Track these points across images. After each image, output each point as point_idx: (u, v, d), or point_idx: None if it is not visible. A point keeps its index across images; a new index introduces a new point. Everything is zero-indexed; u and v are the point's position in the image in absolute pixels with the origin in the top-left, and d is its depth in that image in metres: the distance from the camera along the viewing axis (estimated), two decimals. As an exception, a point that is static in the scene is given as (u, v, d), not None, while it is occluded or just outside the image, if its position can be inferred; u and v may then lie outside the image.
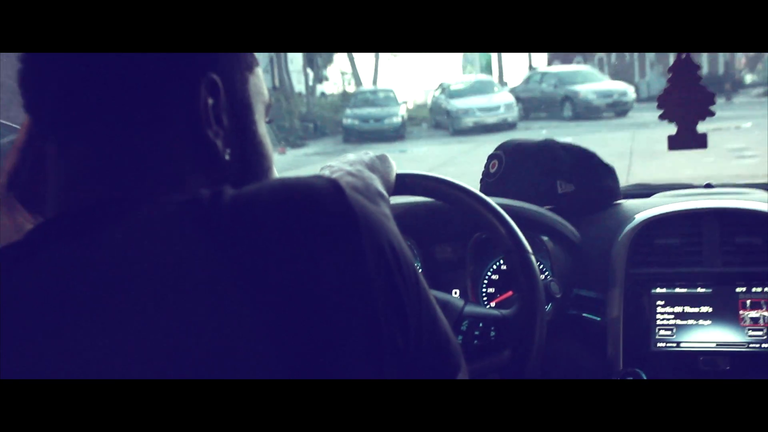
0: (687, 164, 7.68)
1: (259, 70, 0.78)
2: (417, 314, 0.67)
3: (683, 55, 1.39)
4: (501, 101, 19.06)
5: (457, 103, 19.08)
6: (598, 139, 12.57)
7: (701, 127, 1.52)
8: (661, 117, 1.52)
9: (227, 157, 0.71)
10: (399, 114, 19.56)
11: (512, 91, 21.25)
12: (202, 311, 0.58)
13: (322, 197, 0.64)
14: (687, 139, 1.35)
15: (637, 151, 11.38)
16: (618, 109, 18.60)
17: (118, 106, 0.66)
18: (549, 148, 1.68)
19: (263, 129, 0.77)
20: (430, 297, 0.71)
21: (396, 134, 18.84)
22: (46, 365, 0.58)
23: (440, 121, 20.16)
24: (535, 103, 20.32)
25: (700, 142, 1.36)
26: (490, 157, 1.74)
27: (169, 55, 0.67)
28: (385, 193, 1.15)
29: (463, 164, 11.66)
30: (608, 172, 1.69)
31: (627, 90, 19.25)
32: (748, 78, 24.53)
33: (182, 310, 0.58)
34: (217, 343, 0.58)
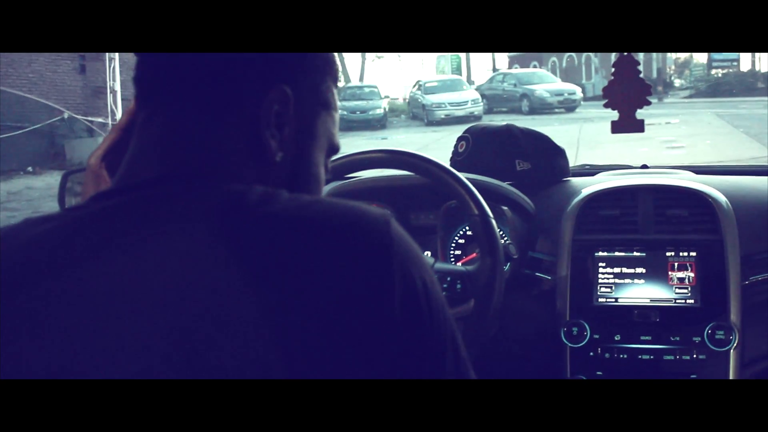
0: (625, 153, 7.71)
1: (336, 114, 0.72)
2: (441, 352, 0.61)
3: (625, 53, 1.37)
4: (468, 97, 19.06)
5: (432, 98, 19.01)
6: (550, 131, 12.22)
7: (639, 115, 1.51)
8: (606, 105, 1.51)
9: (278, 159, 0.66)
10: (381, 107, 19.46)
11: (478, 89, 21.25)
12: (241, 297, 0.54)
13: (371, 227, 0.59)
14: (627, 124, 1.34)
15: (583, 141, 11.39)
16: (567, 105, 18.64)
17: (197, 92, 0.64)
18: (509, 132, 1.66)
19: (320, 161, 0.71)
20: (456, 333, 0.63)
21: (378, 124, 18.77)
22: (110, 314, 0.55)
23: (417, 113, 20.08)
24: (497, 100, 20.30)
25: (638, 126, 1.35)
26: (459, 139, 1.72)
27: (252, 62, 0.65)
28: None
29: (436, 149, 11.58)
30: (559, 153, 1.68)
31: (575, 90, 19.30)
32: (677, 82, 24.58)
33: (227, 287, 0.55)
34: (247, 325, 0.54)
